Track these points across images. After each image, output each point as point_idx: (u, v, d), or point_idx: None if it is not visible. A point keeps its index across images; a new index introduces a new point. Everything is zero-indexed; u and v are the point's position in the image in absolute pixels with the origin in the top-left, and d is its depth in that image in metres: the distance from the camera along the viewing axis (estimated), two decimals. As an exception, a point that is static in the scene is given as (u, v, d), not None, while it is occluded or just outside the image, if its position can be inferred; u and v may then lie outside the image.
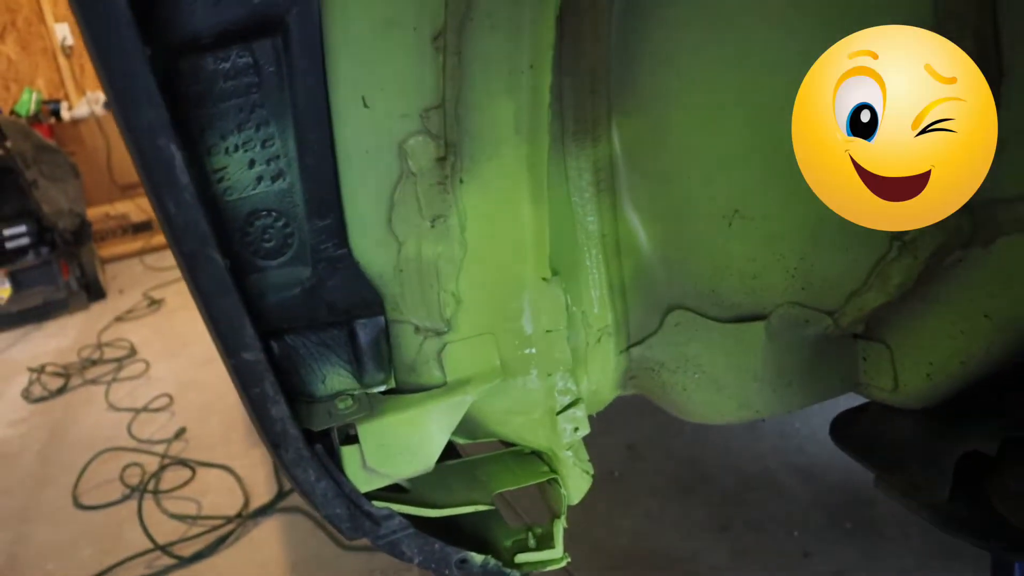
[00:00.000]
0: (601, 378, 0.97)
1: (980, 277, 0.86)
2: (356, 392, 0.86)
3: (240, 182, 0.76)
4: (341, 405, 0.84)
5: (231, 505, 2.59)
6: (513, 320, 0.87)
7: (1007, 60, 0.75)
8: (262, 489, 2.66)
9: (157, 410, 3.33)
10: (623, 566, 2.04)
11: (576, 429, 0.93)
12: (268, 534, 2.44)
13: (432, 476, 0.90)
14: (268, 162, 0.76)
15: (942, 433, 0.99)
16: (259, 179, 0.77)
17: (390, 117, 0.76)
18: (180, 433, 3.09)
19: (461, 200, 0.81)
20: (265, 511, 2.53)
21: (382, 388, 0.88)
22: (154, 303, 4.73)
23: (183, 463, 2.88)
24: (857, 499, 2.20)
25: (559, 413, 0.92)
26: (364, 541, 2.54)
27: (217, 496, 2.67)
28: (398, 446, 0.84)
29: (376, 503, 0.84)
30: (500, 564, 0.92)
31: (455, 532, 0.94)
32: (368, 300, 0.82)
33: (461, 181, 0.80)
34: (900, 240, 0.86)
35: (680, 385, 0.99)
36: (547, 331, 0.88)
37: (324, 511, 0.80)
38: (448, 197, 0.81)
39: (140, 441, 3.09)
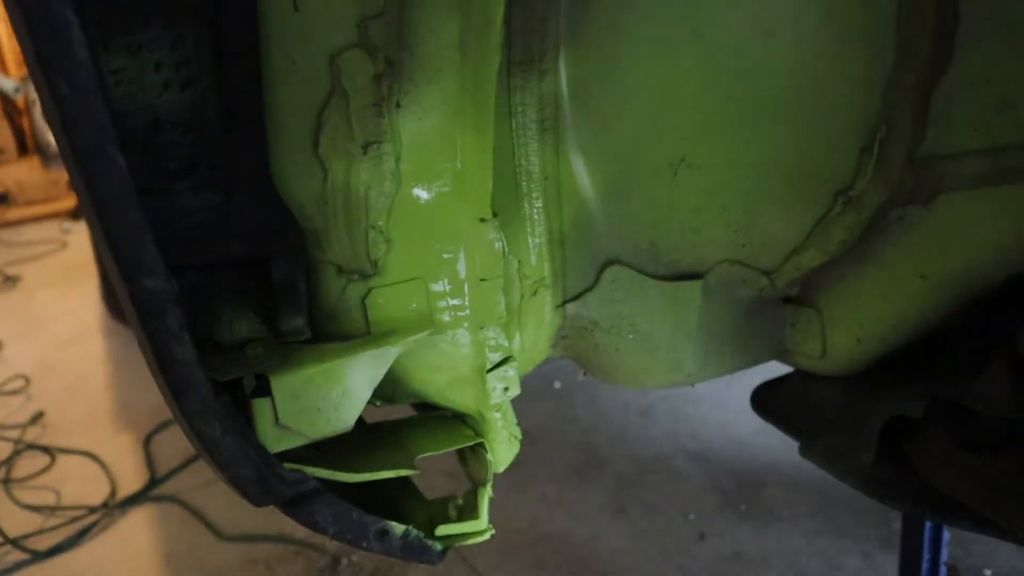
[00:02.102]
0: (535, 335, 0.90)
1: (918, 236, 0.85)
2: (268, 340, 0.77)
3: (142, 88, 0.66)
4: (251, 353, 0.75)
5: (95, 494, 2.38)
6: (447, 265, 0.79)
7: (963, 9, 0.74)
8: (130, 477, 2.47)
9: (11, 393, 3.04)
10: (520, 551, 2.00)
11: (506, 389, 0.87)
12: (137, 525, 2.26)
13: (349, 438, 0.81)
14: (177, 67, 0.66)
15: (866, 399, 0.99)
16: (166, 86, 0.66)
17: (323, 23, 0.67)
18: (37, 417, 2.83)
19: (397, 126, 0.73)
20: (134, 500, 2.34)
21: (297, 337, 0.78)
22: (9, 280, 4.34)
23: (40, 449, 2.63)
24: (750, 481, 2.24)
25: (489, 371, 0.85)
26: (243, 529, 2.39)
27: (79, 485, 2.45)
28: (315, 401, 0.75)
29: (287, 465, 0.75)
30: (421, 535, 0.84)
31: (367, 503, 0.85)
32: (287, 232, 0.73)
33: (398, 105, 0.72)
34: (845, 196, 0.85)
35: (613, 346, 0.94)
36: (481, 279, 0.81)
37: (229, 472, 0.70)
38: (383, 121, 0.72)
39: (-11, 426, 2.81)
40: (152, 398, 2.94)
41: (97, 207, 0.56)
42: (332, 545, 2.07)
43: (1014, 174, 0.77)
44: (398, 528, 0.82)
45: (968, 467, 0.91)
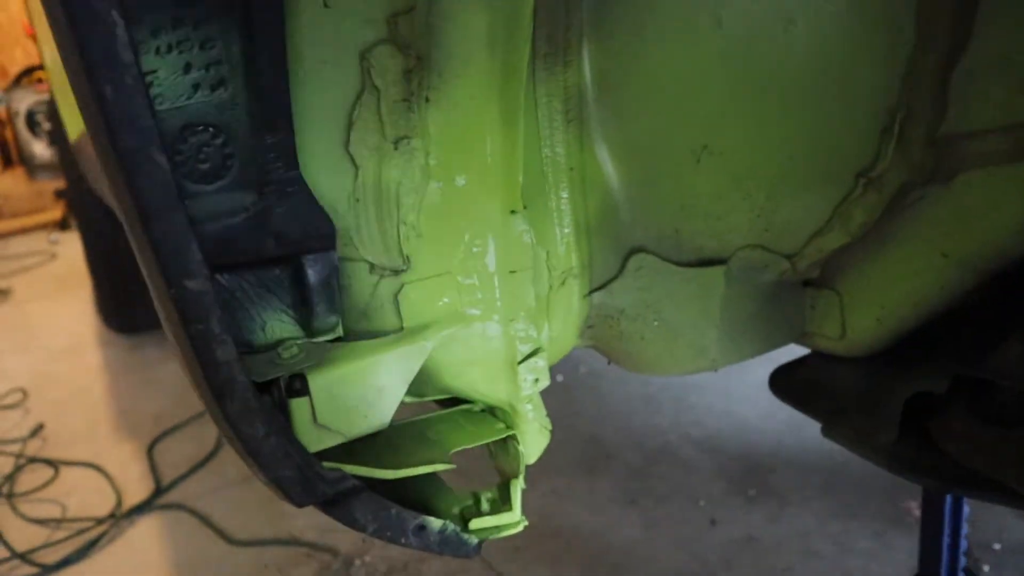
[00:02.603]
0: (563, 325, 0.91)
1: (938, 215, 0.86)
2: (301, 340, 0.76)
3: (173, 89, 0.65)
4: (285, 354, 0.75)
5: (101, 505, 2.37)
6: (477, 259, 0.79)
7: (983, -12, 0.75)
8: (136, 486, 2.45)
9: (9, 407, 3.02)
10: (533, 545, 2.00)
11: (536, 380, 0.87)
12: (146, 534, 2.24)
13: (384, 436, 0.81)
14: (207, 67, 0.66)
15: (887, 378, 1.00)
16: (196, 87, 0.66)
17: (354, 20, 0.67)
18: (37, 430, 2.81)
19: (426, 121, 0.73)
20: (141, 510, 2.33)
21: (330, 336, 0.78)
22: (0, 293, 4.30)
23: (43, 462, 2.61)
24: (757, 467, 2.25)
25: (520, 363, 0.85)
26: (253, 534, 2.38)
27: (84, 496, 2.43)
28: (352, 399, 0.75)
29: (327, 464, 0.75)
30: (458, 530, 0.85)
31: (400, 501, 0.85)
32: (322, 231, 0.73)
33: (427, 100, 0.72)
34: (866, 178, 0.85)
35: (639, 334, 0.94)
36: (511, 272, 0.82)
37: (272, 473, 0.70)
38: (413, 117, 0.72)
39: (-10, 440, 2.79)
40: (153, 406, 2.93)
41: (141, 210, 0.56)
42: (344, 547, 2.07)
43: (1033, 151, 0.78)
44: (436, 523, 0.82)
45: (991, 441, 0.92)
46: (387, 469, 0.79)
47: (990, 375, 0.88)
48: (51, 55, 1.99)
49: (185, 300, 0.60)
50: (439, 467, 0.81)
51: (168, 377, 3.15)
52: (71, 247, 4.98)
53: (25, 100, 6.09)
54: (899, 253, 0.91)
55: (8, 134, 6.37)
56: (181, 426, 2.76)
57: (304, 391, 0.73)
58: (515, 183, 0.78)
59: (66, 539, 2.24)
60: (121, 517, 2.31)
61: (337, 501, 0.76)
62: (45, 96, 5.33)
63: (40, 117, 6.01)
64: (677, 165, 0.86)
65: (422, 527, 0.82)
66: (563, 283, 0.89)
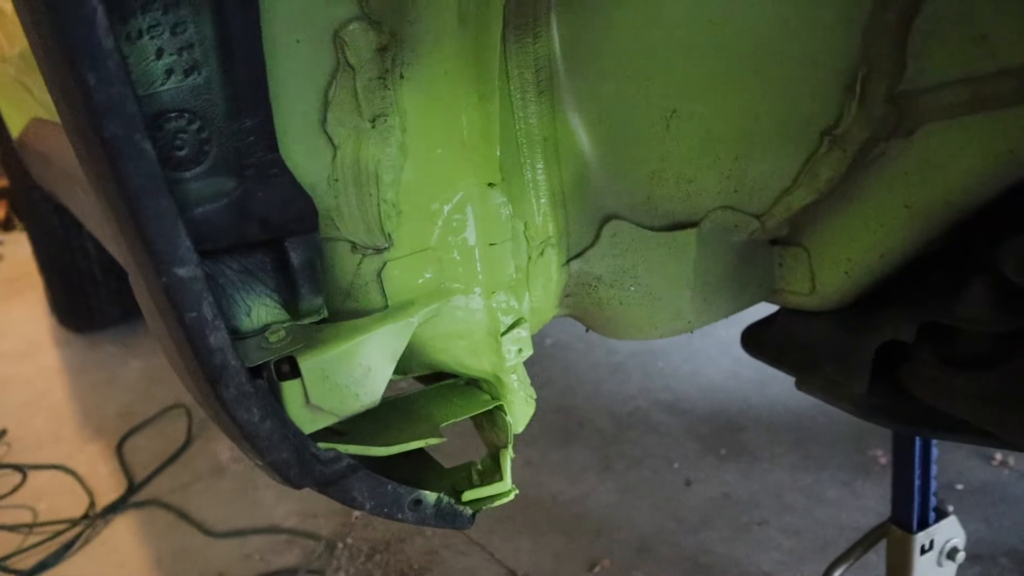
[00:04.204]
0: (543, 295, 0.92)
1: (901, 167, 0.88)
2: (287, 324, 0.76)
3: (145, 76, 0.64)
4: (273, 338, 0.75)
5: (74, 507, 2.33)
6: (457, 233, 0.80)
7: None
8: (108, 485, 2.42)
9: (-33, 414, 2.94)
10: (512, 516, 2.03)
11: (520, 351, 0.88)
12: (123, 532, 2.22)
13: (373, 414, 0.82)
14: (180, 52, 0.65)
15: (857, 329, 1.03)
16: (169, 72, 0.65)
17: None
18: (0, 436, 2.74)
19: (401, 98, 0.73)
20: (115, 508, 2.30)
21: (315, 318, 0.78)
22: (-54, 299, 4.17)
23: (10, 468, 2.56)
24: (727, 426, 2.31)
25: (503, 334, 0.87)
26: (232, 525, 2.37)
27: (55, 499, 2.39)
28: (343, 379, 0.76)
29: (322, 444, 0.75)
30: (453, 502, 0.86)
31: (393, 477, 0.86)
32: (304, 213, 0.72)
33: (402, 77, 0.72)
34: (831, 135, 0.88)
35: (617, 299, 0.96)
36: (491, 244, 0.82)
37: (270, 456, 0.71)
38: (388, 94, 0.72)
39: (-49, 449, 2.72)
40: (117, 404, 2.88)
41: (127, 198, 0.55)
42: (325, 531, 2.07)
43: (991, 101, 0.80)
44: (431, 497, 0.84)
45: (958, 384, 0.96)
46: (380, 446, 0.80)
47: (954, 320, 0.92)
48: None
49: (177, 288, 0.60)
50: (431, 441, 0.83)
51: (130, 374, 3.10)
52: (17, 247, 4.85)
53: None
54: (864, 207, 0.93)
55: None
56: (149, 422, 2.72)
57: (295, 373, 0.73)
58: (493, 156, 0.78)
59: (40, 543, 2.20)
60: (96, 517, 2.28)
61: (334, 481, 0.77)
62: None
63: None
64: (647, 131, 0.87)
65: (418, 501, 0.83)
66: (541, 253, 0.90)
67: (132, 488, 2.38)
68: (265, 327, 0.77)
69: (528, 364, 0.92)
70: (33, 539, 2.23)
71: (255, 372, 0.74)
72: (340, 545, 2.02)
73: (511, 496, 0.92)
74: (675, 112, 0.87)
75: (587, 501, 2.06)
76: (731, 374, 2.59)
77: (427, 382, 1.00)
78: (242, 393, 0.67)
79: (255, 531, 2.12)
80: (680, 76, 0.85)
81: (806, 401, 2.07)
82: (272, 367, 0.73)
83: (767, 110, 0.87)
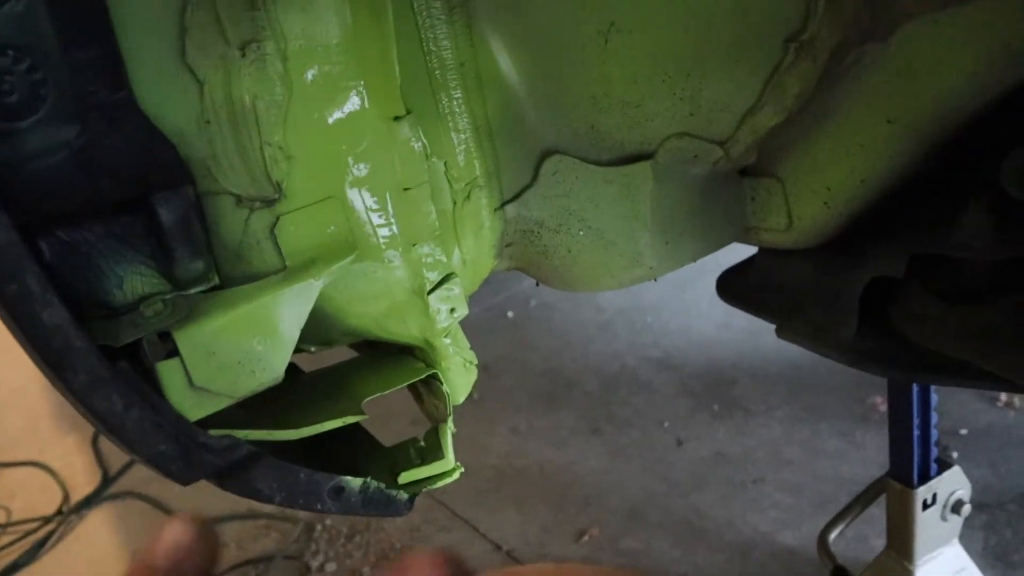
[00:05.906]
0: (476, 245, 0.81)
1: (879, 77, 0.77)
2: (170, 295, 0.65)
3: (-55, 4, 0.53)
4: (148, 312, 0.63)
5: (49, 503, 2.25)
6: (362, 177, 0.69)
7: None
8: (82, 479, 2.34)
9: (-62, 413, 2.86)
10: (499, 488, 1.94)
11: (452, 310, 0.77)
12: (98, 526, 2.14)
13: (284, 392, 0.71)
14: (-16, -31, 0.53)
15: (841, 267, 0.92)
16: (-25, -2, 0.53)
17: None
18: (-28, 434, 2.66)
19: (277, 20, 0.61)
20: (90, 502, 2.22)
21: (203, 286, 0.67)
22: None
23: (-20, 466, 2.48)
24: (719, 381, 2.21)
25: (430, 292, 0.76)
26: (208, 513, 2.29)
27: (29, 496, 2.31)
28: (234, 354, 0.65)
29: (213, 432, 0.65)
30: (383, 486, 0.75)
31: (325, 464, 0.76)
32: (166, 162, 0.61)
33: (274, -8, 0.60)
34: (796, 42, 0.76)
35: (564, 247, 0.85)
36: (404, 188, 0.71)
37: (144, 450, 0.60)
38: (259, 15, 0.61)
39: (-81, 450, 2.64)
40: (93, 394, 2.79)
41: None
42: (303, 514, 1.99)
43: (981, -12, 0.69)
44: (354, 482, 0.73)
45: (957, 321, 0.86)
46: (288, 429, 0.69)
47: (949, 250, 0.81)
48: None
49: (-15, 257, 0.49)
50: (349, 419, 0.72)
51: (107, 362, 3.01)
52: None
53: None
54: (841, 126, 0.82)
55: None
56: (124, 411, 2.64)
57: (173, 352, 0.62)
58: (393, 84, 0.67)
59: (14, 542, 2.13)
60: (69, 512, 2.20)
61: (232, 473, 0.66)
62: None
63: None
64: (582, 50, 0.76)
65: (340, 489, 0.72)
66: (468, 197, 0.78)
67: (107, 480, 2.29)
68: (142, 299, 0.66)
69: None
70: (6, 538, 2.16)
71: (134, 354, 0.63)
72: (319, 527, 1.94)
73: (455, 475, 0.81)
74: (613, 25, 0.75)
75: (575, 468, 1.97)
76: (723, 325, 2.48)
77: (363, 351, 0.89)
78: (96, 379, 0.56)
79: (232, 518, 2.04)
80: (616, -19, 0.73)
81: (801, 348, 1.98)
82: (145, 346, 0.62)
83: (719, 17, 0.75)
